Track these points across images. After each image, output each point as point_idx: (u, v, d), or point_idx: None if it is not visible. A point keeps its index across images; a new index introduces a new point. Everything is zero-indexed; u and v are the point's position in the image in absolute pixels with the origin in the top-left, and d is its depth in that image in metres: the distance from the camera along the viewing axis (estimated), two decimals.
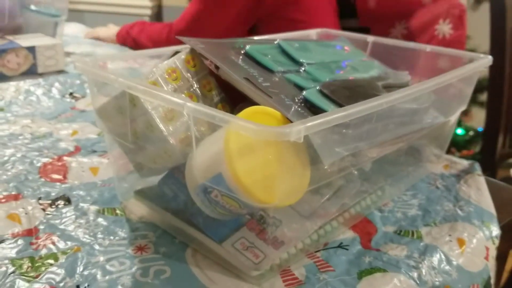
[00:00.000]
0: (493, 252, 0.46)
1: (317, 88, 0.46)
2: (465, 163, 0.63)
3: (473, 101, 2.05)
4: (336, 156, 0.39)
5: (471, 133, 1.98)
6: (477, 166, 0.62)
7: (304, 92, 0.45)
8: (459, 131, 1.99)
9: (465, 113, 2.06)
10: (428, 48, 0.64)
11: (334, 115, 0.35)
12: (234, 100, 0.47)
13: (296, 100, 0.45)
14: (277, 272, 0.41)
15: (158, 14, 2.93)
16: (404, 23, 1.18)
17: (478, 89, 2.03)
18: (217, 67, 0.46)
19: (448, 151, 2.08)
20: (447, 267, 0.43)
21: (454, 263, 0.43)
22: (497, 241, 0.47)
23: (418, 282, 0.40)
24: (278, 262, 0.41)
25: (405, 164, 0.59)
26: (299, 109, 0.43)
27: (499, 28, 1.37)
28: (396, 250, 0.44)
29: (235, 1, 0.98)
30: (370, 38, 0.69)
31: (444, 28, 1.12)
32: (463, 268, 0.43)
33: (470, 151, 1.94)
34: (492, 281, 0.47)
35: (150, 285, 0.38)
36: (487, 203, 0.52)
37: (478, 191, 0.54)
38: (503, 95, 1.39)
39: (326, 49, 0.60)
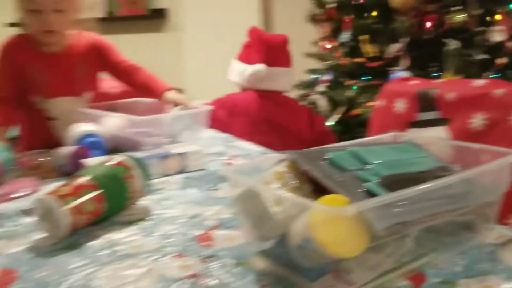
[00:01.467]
0: None
1: (376, 181, 0.69)
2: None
3: None
4: (384, 225, 0.61)
5: None
6: None
7: (365, 184, 0.68)
8: None
9: None
10: (477, 146, 0.83)
11: (374, 200, 0.58)
12: (320, 191, 0.72)
13: (362, 190, 0.68)
14: None
15: None
16: (482, 114, 1.35)
17: None
18: (307, 170, 0.71)
19: None
20: None
21: None
22: None
23: None
24: None
25: (457, 234, 0.77)
26: (361, 196, 0.66)
27: None
28: None
29: None
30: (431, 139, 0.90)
31: None
32: None
33: None
34: None
35: None
36: None
37: None
38: None
39: (391, 151, 0.83)
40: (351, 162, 0.75)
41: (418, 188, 0.62)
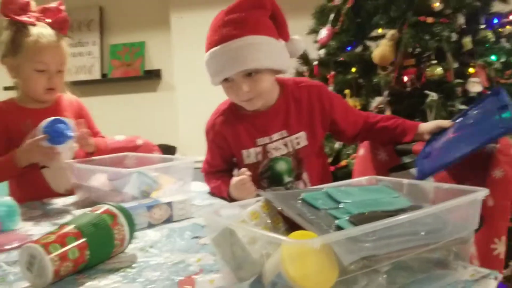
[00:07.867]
0: None
1: (346, 218, 0.72)
2: (487, 271, 0.81)
3: None
4: (351, 259, 0.64)
5: None
6: (495, 273, 0.80)
7: (336, 221, 0.71)
8: None
9: None
10: (446, 186, 0.87)
11: (340, 233, 0.61)
12: (294, 229, 0.74)
13: (332, 226, 0.71)
14: None
15: None
16: None
17: None
18: (282, 209, 0.74)
19: None
20: None
21: None
22: None
23: None
24: None
25: (430, 271, 0.79)
26: (331, 232, 0.69)
27: None
28: None
29: None
30: (405, 181, 0.93)
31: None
32: None
33: None
34: None
35: None
36: None
37: None
38: None
39: (365, 191, 0.86)
40: (324, 201, 0.78)
41: (384, 222, 0.65)
